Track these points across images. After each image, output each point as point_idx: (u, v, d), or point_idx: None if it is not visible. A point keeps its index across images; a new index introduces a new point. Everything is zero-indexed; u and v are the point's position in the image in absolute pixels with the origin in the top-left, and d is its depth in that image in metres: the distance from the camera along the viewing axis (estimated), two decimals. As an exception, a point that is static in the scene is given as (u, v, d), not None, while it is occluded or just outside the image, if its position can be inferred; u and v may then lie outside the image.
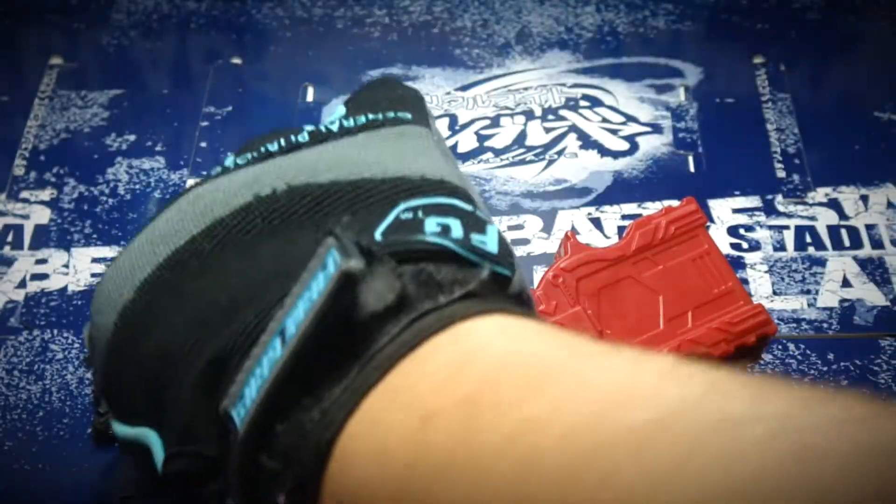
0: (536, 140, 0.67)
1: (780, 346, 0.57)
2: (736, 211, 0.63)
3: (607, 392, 0.21)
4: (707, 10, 0.75)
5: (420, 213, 0.30)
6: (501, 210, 0.63)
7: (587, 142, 0.67)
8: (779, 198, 0.64)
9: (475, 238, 0.30)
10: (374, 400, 0.25)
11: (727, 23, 0.75)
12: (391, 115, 0.37)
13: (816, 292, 0.59)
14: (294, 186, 0.32)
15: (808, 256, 0.61)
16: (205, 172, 0.66)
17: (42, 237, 0.63)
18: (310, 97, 0.71)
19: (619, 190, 0.65)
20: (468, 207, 0.32)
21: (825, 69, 0.72)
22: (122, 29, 0.75)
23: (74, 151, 0.68)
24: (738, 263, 0.60)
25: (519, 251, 0.61)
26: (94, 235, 0.63)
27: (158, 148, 0.68)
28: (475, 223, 0.31)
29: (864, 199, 0.64)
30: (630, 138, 0.67)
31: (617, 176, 0.65)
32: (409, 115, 0.37)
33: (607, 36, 0.74)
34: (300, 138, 0.36)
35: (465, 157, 0.67)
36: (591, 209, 0.64)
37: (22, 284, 0.61)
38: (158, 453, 0.30)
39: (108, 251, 0.63)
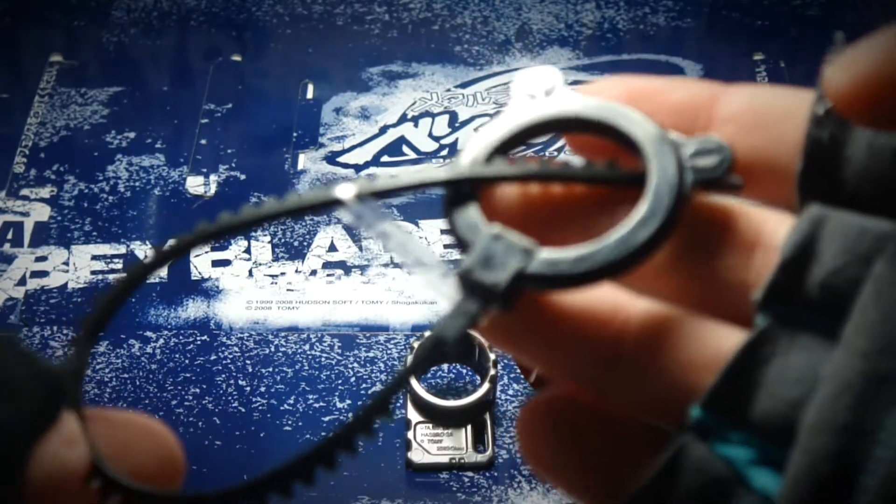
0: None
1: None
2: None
3: None
4: (707, 7, 0.75)
5: None
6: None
7: (587, 139, 0.67)
8: (779, 195, 0.64)
9: None
10: None
11: (727, 19, 0.75)
12: None
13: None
14: None
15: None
16: (205, 170, 0.66)
17: (42, 234, 0.63)
18: (310, 94, 0.71)
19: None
20: None
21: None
22: (121, 26, 0.75)
23: (74, 149, 0.68)
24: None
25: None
26: (94, 233, 0.63)
27: (158, 145, 0.68)
28: None
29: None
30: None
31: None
32: None
33: (607, 33, 0.74)
34: None
35: (465, 154, 0.67)
36: (591, 206, 0.64)
37: (22, 282, 0.61)
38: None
39: (108, 248, 0.63)
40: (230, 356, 0.58)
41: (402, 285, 0.61)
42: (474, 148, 0.22)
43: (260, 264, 0.62)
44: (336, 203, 0.22)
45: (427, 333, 0.55)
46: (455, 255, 0.62)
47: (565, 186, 0.22)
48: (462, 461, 0.53)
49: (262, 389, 0.57)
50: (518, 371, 0.55)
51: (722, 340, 0.21)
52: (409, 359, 0.19)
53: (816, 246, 0.20)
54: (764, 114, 0.22)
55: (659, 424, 0.21)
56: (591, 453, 0.21)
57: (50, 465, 0.20)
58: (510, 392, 0.56)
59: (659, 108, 0.22)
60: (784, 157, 0.22)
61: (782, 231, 0.21)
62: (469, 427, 0.54)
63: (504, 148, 0.22)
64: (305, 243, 0.63)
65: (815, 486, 0.18)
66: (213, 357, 0.58)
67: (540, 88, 0.23)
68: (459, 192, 0.22)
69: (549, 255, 0.20)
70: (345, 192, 0.22)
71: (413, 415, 0.54)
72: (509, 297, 0.20)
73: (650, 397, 0.21)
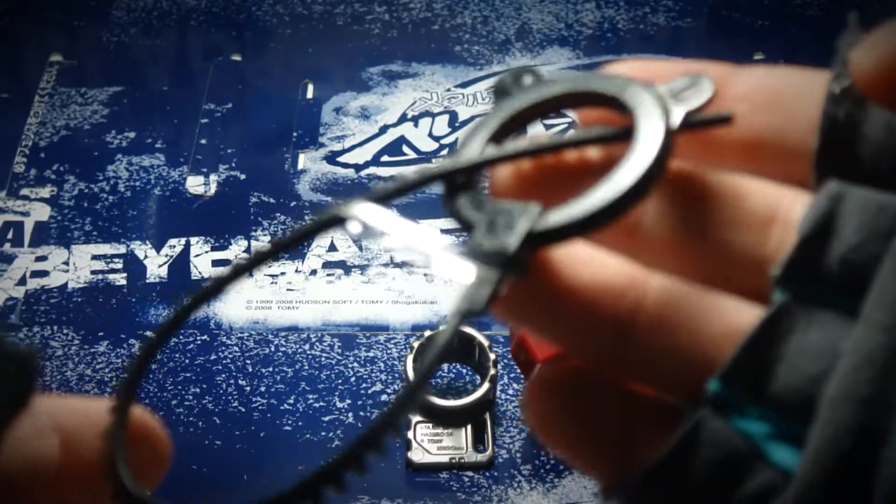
0: (536, 137, 0.67)
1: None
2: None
3: None
4: (707, 7, 0.75)
5: None
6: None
7: (587, 139, 0.67)
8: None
9: None
10: None
11: (727, 19, 0.75)
12: None
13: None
14: None
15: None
16: (205, 169, 0.66)
17: (42, 234, 0.63)
18: (310, 94, 0.71)
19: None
20: None
21: (825, 66, 0.71)
22: (121, 26, 0.75)
23: (74, 148, 0.68)
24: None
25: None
26: (94, 233, 0.63)
27: (158, 145, 0.68)
28: None
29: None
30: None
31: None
32: None
33: (607, 32, 0.74)
34: None
35: (465, 153, 0.67)
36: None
37: (22, 281, 0.61)
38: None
39: (108, 248, 0.63)
40: (230, 356, 0.58)
41: (402, 285, 0.61)
42: (465, 144, 0.23)
43: (260, 264, 0.62)
44: (340, 221, 0.22)
45: (426, 333, 0.55)
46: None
47: (558, 156, 0.22)
48: (462, 461, 0.53)
49: (262, 389, 0.57)
50: (518, 371, 0.55)
51: (739, 316, 0.21)
52: (445, 334, 0.20)
53: (835, 222, 0.20)
54: (777, 93, 0.22)
55: (673, 399, 0.21)
56: (601, 426, 0.21)
57: (22, 454, 0.20)
58: (510, 392, 0.56)
59: None
60: (798, 135, 0.22)
61: (798, 207, 0.21)
62: (469, 427, 0.54)
63: (495, 138, 0.23)
64: (305, 243, 0.63)
65: (837, 458, 0.18)
66: (213, 357, 0.58)
67: (516, 88, 0.23)
68: (455, 184, 0.22)
69: (551, 211, 0.21)
70: (350, 210, 0.22)
71: (413, 415, 0.54)
72: (523, 260, 0.20)
73: (665, 371, 0.21)
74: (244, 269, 0.23)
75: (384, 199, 0.22)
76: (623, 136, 0.21)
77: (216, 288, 0.23)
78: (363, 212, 0.22)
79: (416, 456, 0.53)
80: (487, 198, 0.22)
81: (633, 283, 0.21)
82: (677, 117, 0.21)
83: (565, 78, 0.23)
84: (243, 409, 0.56)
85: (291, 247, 0.22)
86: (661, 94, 0.21)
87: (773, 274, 0.20)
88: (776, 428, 0.20)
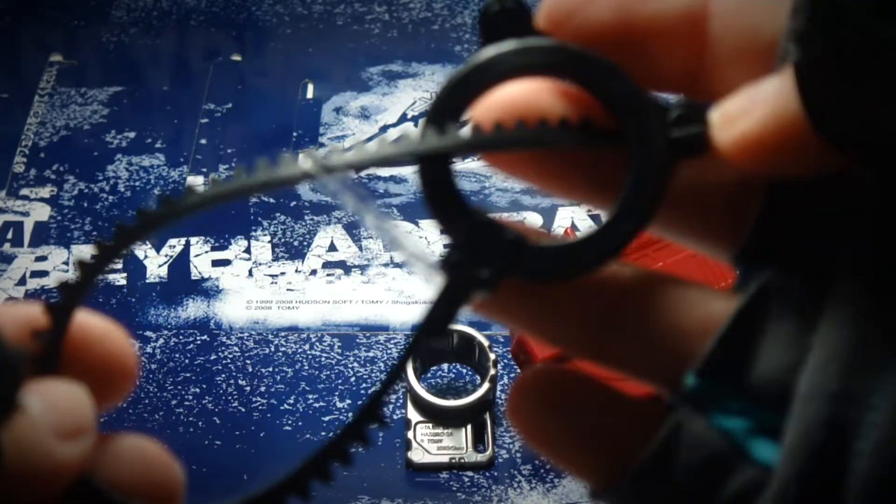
0: (536, 137, 0.67)
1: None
2: (736, 207, 0.63)
3: None
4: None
5: None
6: (502, 206, 0.63)
7: (587, 138, 0.67)
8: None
9: None
10: None
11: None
12: None
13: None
14: None
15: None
16: (204, 169, 0.66)
17: (42, 234, 0.63)
18: (310, 94, 0.71)
19: (620, 187, 0.65)
20: None
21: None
22: (121, 26, 0.75)
23: (74, 148, 0.68)
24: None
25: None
26: (94, 233, 0.63)
27: (158, 145, 0.68)
28: None
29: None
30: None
31: (617, 173, 0.65)
32: None
33: (607, 32, 0.74)
34: None
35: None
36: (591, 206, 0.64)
37: (22, 282, 0.61)
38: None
39: (108, 248, 0.63)
40: (230, 356, 0.58)
41: (402, 285, 0.61)
42: (443, 105, 0.21)
43: (260, 264, 0.62)
44: (306, 177, 0.21)
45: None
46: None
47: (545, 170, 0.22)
48: (462, 461, 0.53)
49: (262, 389, 0.57)
50: (518, 371, 0.55)
51: (716, 305, 0.21)
52: (408, 350, 0.19)
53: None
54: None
55: (656, 388, 0.21)
56: (584, 426, 0.21)
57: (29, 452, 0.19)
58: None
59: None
60: (770, 27, 0.20)
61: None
62: (469, 427, 0.54)
63: (471, 96, 0.21)
64: (305, 243, 0.63)
65: (810, 454, 0.18)
66: (213, 357, 0.58)
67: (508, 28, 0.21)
68: (434, 166, 0.21)
69: (537, 248, 0.20)
70: (307, 164, 0.21)
71: (413, 415, 0.54)
72: (497, 285, 0.20)
73: (646, 361, 0.21)
74: (219, 197, 0.21)
75: (350, 167, 0.21)
76: (614, 140, 0.20)
77: (192, 204, 0.21)
78: (329, 173, 0.21)
79: (416, 456, 0.53)
80: (472, 203, 0.21)
81: (613, 273, 0.21)
82: (674, 148, 0.20)
83: (551, 46, 0.21)
84: (243, 409, 0.56)
85: (254, 193, 0.21)
86: (662, 117, 0.20)
87: (735, 288, 0.20)
88: (756, 421, 0.20)
